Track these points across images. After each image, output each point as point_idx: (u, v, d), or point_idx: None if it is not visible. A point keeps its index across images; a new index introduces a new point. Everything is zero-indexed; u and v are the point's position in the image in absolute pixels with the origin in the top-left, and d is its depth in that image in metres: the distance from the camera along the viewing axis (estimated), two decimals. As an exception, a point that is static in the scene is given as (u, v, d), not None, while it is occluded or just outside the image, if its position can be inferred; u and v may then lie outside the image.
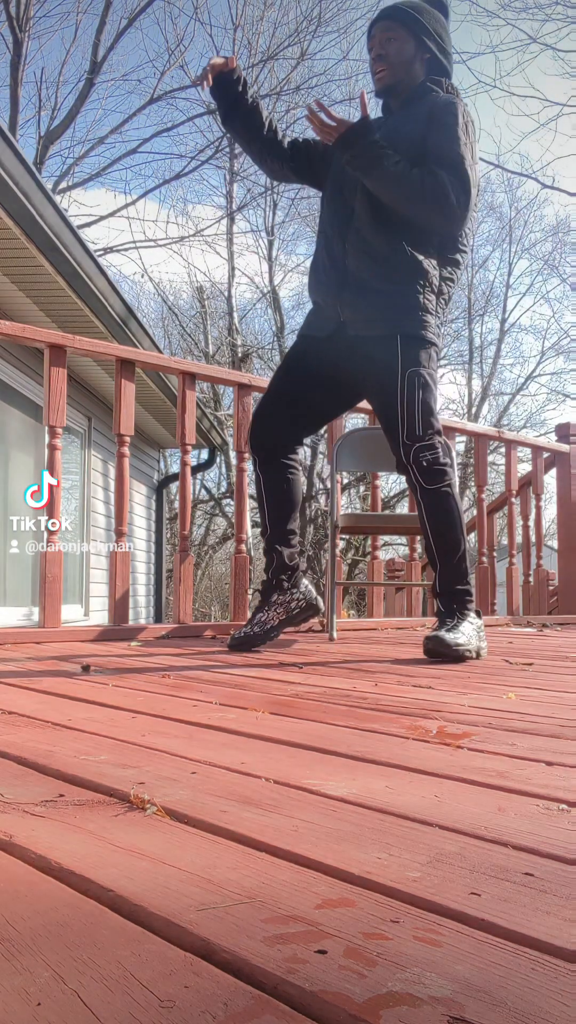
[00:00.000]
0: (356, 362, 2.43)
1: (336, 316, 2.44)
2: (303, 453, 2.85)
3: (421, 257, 2.37)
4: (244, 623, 3.07)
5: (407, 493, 4.91)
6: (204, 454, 10.42)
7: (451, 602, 2.41)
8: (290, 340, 16.61)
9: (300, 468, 2.66)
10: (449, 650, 2.24)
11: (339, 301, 2.43)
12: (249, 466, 3.48)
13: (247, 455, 3.50)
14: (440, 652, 2.25)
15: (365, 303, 2.39)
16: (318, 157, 2.59)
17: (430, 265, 2.39)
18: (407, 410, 2.35)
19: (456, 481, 2.41)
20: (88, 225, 13.08)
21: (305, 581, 2.62)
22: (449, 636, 2.28)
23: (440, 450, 2.38)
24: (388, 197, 2.34)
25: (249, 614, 3.49)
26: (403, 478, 2.60)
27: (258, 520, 2.77)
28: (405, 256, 2.37)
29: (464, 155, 2.32)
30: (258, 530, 2.92)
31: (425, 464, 2.35)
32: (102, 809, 0.85)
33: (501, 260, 23.69)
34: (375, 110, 2.61)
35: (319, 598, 2.65)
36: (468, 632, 2.34)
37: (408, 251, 2.36)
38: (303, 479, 2.69)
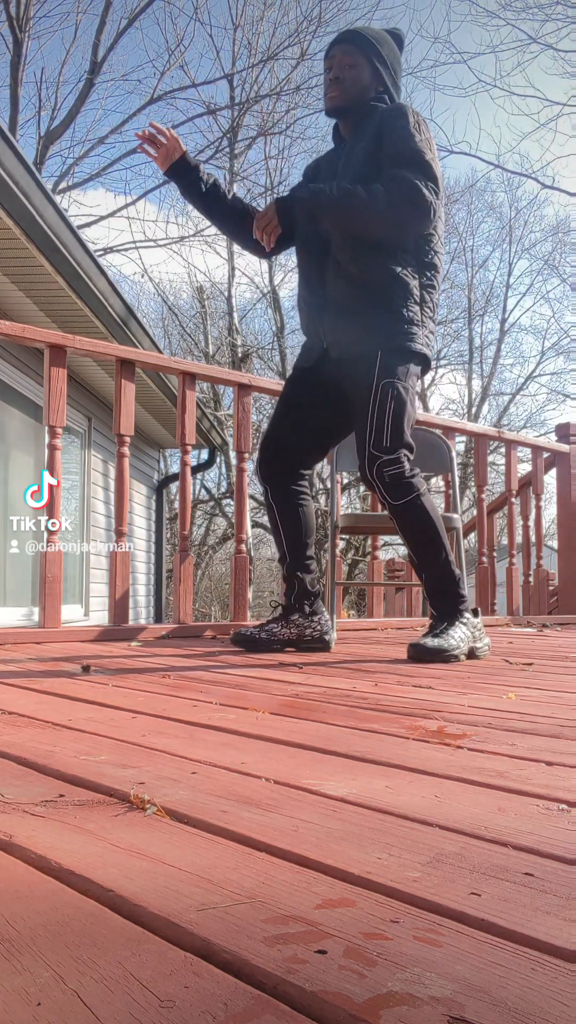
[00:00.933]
0: (342, 383, 2.45)
1: (320, 344, 2.47)
2: (312, 478, 2.87)
3: (399, 269, 2.35)
4: (251, 623, 3.07)
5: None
6: (204, 454, 10.43)
7: (442, 605, 2.42)
8: (290, 340, 16.63)
9: (310, 494, 2.65)
10: (430, 656, 2.26)
11: (321, 327, 2.45)
12: (250, 466, 3.48)
13: (247, 456, 3.50)
14: (420, 658, 2.27)
15: (345, 324, 2.40)
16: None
17: (408, 276, 2.36)
18: (376, 421, 2.33)
19: (425, 487, 2.37)
20: (88, 225, 13.09)
21: (325, 614, 2.61)
22: (432, 642, 2.30)
23: (405, 464, 2.34)
24: (361, 226, 2.34)
25: (250, 615, 3.50)
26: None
27: (259, 521, 2.77)
28: (384, 274, 2.35)
29: (422, 149, 2.32)
30: (258, 530, 2.89)
31: (388, 480, 2.32)
32: (102, 809, 0.85)
33: (501, 260, 23.73)
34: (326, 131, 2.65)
35: (333, 635, 2.64)
36: (458, 635, 2.34)
37: (387, 268, 2.35)
38: (313, 505, 2.68)
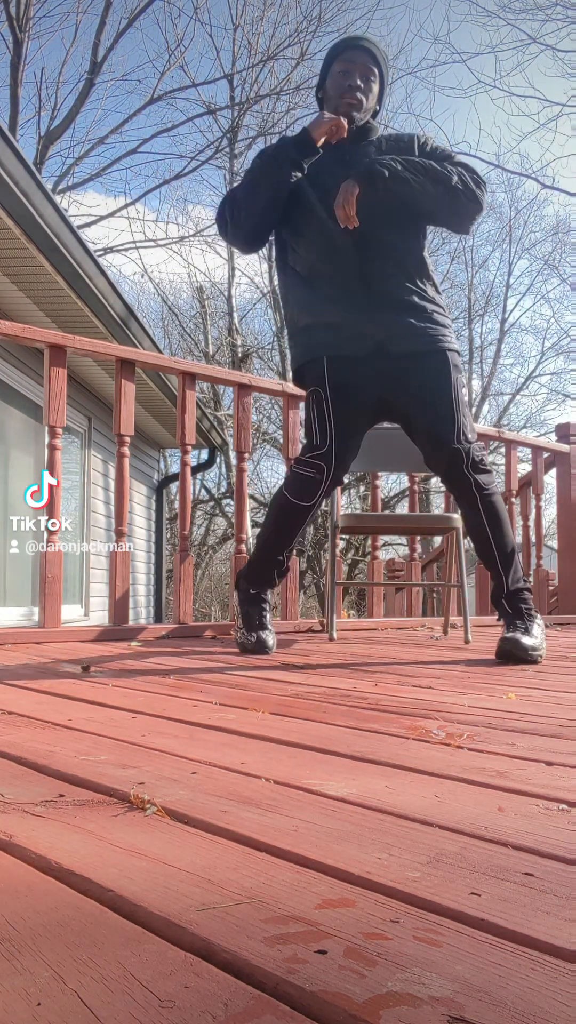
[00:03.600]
0: (404, 378, 2.40)
1: (372, 336, 2.39)
2: None
3: (428, 262, 2.46)
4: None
5: (407, 493, 4.91)
6: (204, 454, 10.42)
7: (518, 603, 2.39)
8: (290, 340, 16.55)
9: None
10: (525, 654, 2.24)
11: (372, 323, 2.38)
12: (250, 466, 3.48)
13: (247, 455, 3.50)
14: (516, 656, 2.24)
15: (408, 320, 2.38)
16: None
17: (431, 261, 2.48)
18: (458, 417, 2.38)
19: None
20: (88, 225, 13.10)
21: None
22: (526, 640, 2.27)
23: (486, 452, 2.41)
24: (435, 200, 2.36)
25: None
26: (403, 477, 2.60)
27: (259, 521, 2.75)
28: (422, 266, 2.44)
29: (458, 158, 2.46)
30: (258, 530, 2.89)
31: (481, 465, 2.35)
32: (102, 809, 0.85)
33: (501, 260, 23.73)
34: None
35: (273, 639, 2.58)
36: (539, 634, 2.33)
37: (422, 259, 2.44)
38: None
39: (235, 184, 2.68)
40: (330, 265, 2.43)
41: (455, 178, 2.33)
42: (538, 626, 2.36)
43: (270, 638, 2.50)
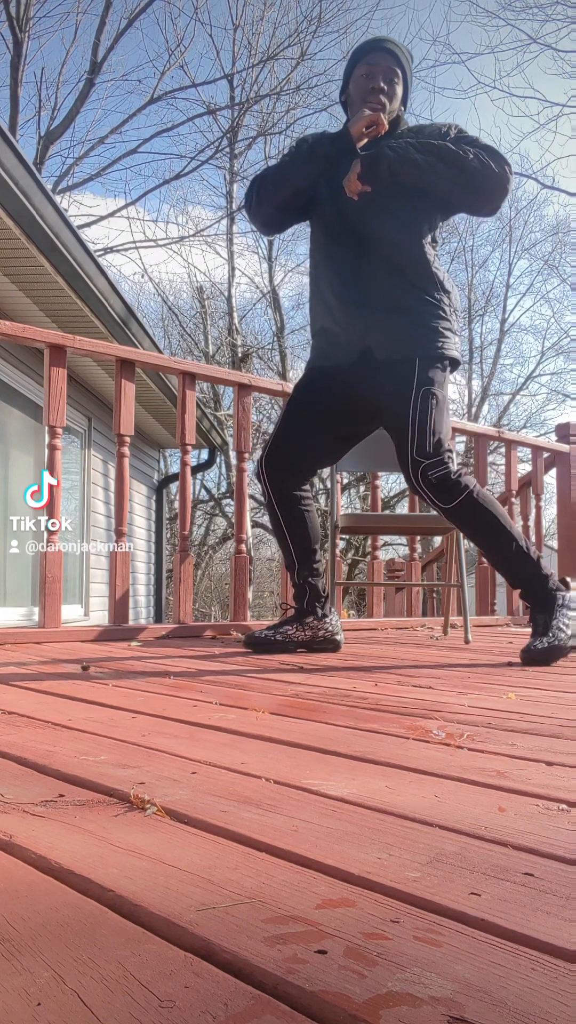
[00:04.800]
0: (378, 385, 2.38)
1: (360, 341, 2.37)
2: (313, 480, 2.82)
3: (432, 261, 2.38)
4: (252, 623, 3.07)
5: (407, 493, 4.92)
6: (204, 454, 10.43)
7: (533, 593, 2.36)
8: (290, 340, 16.57)
9: (313, 498, 2.63)
10: (545, 658, 2.23)
11: (363, 326, 2.36)
12: (250, 466, 3.48)
13: (247, 456, 3.50)
14: (536, 663, 2.23)
15: (394, 324, 2.35)
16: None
17: (439, 270, 2.39)
18: (417, 427, 2.31)
19: (475, 483, 2.34)
20: (88, 225, 13.09)
21: (335, 615, 2.61)
22: (542, 644, 2.25)
23: (450, 464, 2.31)
24: (454, 176, 2.30)
25: (250, 615, 3.50)
26: (402, 477, 2.59)
27: (259, 521, 2.75)
28: (423, 266, 2.37)
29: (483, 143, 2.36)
30: (258, 530, 2.90)
31: (435, 481, 2.29)
32: (102, 809, 0.85)
33: (501, 260, 23.74)
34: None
35: (342, 635, 2.63)
36: (562, 624, 2.30)
37: (424, 258, 2.37)
38: (315, 507, 2.67)
39: (267, 167, 2.66)
40: (330, 267, 2.43)
41: (471, 156, 2.27)
42: (561, 612, 2.32)
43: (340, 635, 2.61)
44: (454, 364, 2.43)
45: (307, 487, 2.57)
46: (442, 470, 2.29)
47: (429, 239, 2.41)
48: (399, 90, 2.43)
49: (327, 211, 2.43)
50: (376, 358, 2.36)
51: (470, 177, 2.29)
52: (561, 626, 2.30)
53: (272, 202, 2.45)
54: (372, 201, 2.33)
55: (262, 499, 2.53)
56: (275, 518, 2.54)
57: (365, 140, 2.34)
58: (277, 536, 2.61)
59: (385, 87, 2.39)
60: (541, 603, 2.34)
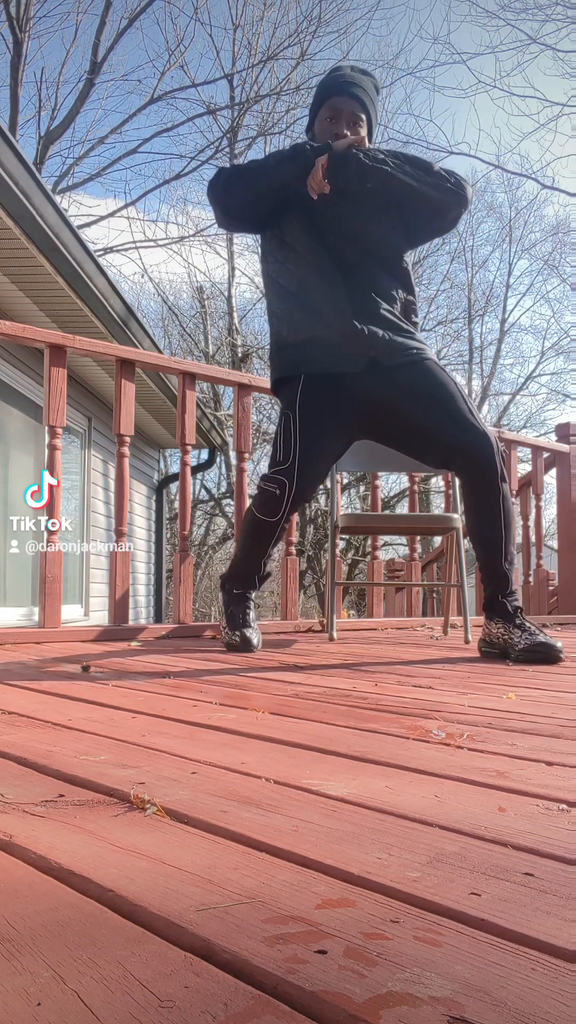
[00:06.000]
0: (401, 385, 2.40)
1: (366, 350, 2.38)
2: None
3: (408, 266, 2.52)
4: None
5: (407, 493, 4.91)
6: (204, 454, 10.43)
7: (501, 593, 2.37)
8: (290, 340, 16.52)
9: None
10: (560, 655, 2.24)
11: (367, 334, 2.37)
12: (250, 466, 3.48)
13: (247, 455, 3.50)
14: (552, 660, 2.23)
15: (389, 334, 2.39)
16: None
17: (411, 273, 2.54)
18: (470, 404, 2.39)
19: None
20: (88, 225, 13.11)
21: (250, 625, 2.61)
22: (544, 637, 2.28)
23: None
24: (422, 188, 2.39)
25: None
26: (403, 477, 2.61)
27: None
28: (407, 270, 2.50)
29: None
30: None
31: (497, 450, 2.34)
32: (102, 809, 0.85)
33: (501, 260, 23.75)
34: None
35: (258, 638, 2.60)
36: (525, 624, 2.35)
37: (403, 258, 2.49)
38: None
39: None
40: (319, 280, 2.43)
41: (436, 166, 2.41)
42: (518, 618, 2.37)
43: (255, 636, 2.54)
44: None
45: None
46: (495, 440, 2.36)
47: (407, 266, 2.52)
48: (363, 132, 2.50)
49: (308, 225, 2.44)
50: (385, 364, 2.40)
51: (437, 179, 2.38)
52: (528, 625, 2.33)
53: (250, 188, 2.46)
54: (365, 210, 2.41)
55: (263, 514, 2.48)
56: (268, 536, 2.52)
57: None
58: (256, 549, 2.58)
59: (348, 133, 2.46)
60: (504, 610, 2.36)
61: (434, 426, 2.40)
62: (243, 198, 2.48)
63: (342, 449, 2.59)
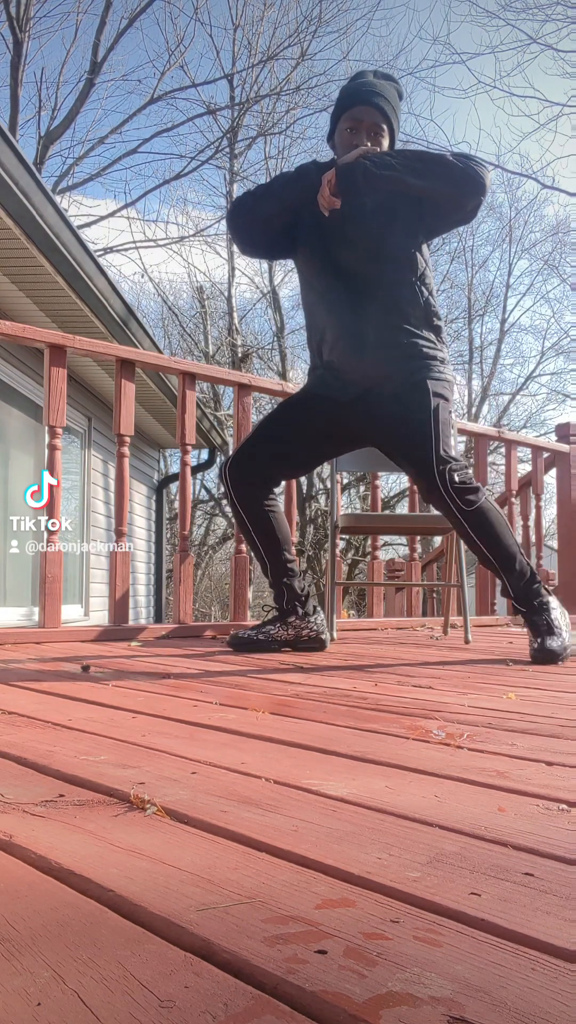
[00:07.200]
0: (385, 414, 2.41)
1: (361, 381, 2.40)
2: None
3: (418, 286, 2.40)
4: (250, 623, 3.07)
5: (407, 493, 4.92)
6: (204, 454, 10.42)
7: (528, 599, 2.38)
8: (290, 340, 16.57)
9: (278, 501, 2.64)
10: (557, 657, 2.27)
11: (362, 363, 2.39)
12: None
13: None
14: (549, 661, 2.26)
15: (393, 364, 2.38)
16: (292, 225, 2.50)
17: (430, 298, 2.42)
18: (441, 433, 2.33)
19: (484, 488, 2.41)
20: (88, 225, 13.11)
21: (320, 614, 2.61)
22: (555, 643, 2.29)
23: (470, 470, 2.37)
24: (431, 177, 2.31)
25: (250, 615, 3.50)
26: (403, 477, 2.62)
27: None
28: (413, 296, 2.39)
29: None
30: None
31: (459, 482, 2.30)
32: (102, 809, 0.85)
33: (501, 260, 23.75)
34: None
35: (328, 634, 2.64)
36: (561, 623, 2.34)
37: (413, 288, 2.39)
38: (282, 508, 2.68)
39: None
40: (322, 304, 2.47)
41: (448, 156, 2.32)
42: (557, 616, 2.36)
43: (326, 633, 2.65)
44: (451, 389, 2.47)
45: (273, 496, 2.58)
46: (466, 471, 2.34)
47: (419, 272, 2.42)
48: (384, 142, 2.45)
49: (315, 246, 2.44)
50: (382, 393, 2.40)
51: (450, 169, 2.30)
52: (561, 623, 2.35)
53: (256, 214, 2.44)
54: (375, 224, 2.36)
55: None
56: (241, 522, 2.56)
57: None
58: (247, 540, 2.61)
59: (369, 144, 2.40)
60: (538, 607, 2.37)
61: (399, 462, 2.48)
62: (250, 226, 2.49)
63: (318, 452, 2.63)
